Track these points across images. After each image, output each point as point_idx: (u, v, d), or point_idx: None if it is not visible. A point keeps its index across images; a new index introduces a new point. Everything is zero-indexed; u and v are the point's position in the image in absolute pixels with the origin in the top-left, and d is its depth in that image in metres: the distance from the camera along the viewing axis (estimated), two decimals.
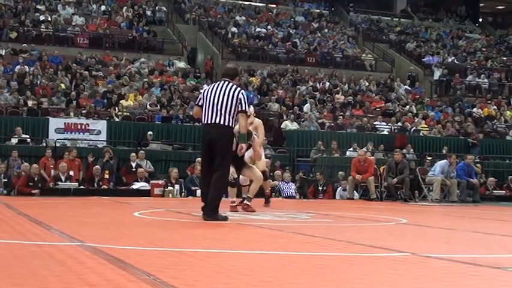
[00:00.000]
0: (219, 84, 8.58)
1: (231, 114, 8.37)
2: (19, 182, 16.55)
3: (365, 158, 18.38)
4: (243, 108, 8.41)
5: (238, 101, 8.37)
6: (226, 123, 8.37)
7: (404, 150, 21.55)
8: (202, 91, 9.14)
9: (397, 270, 4.34)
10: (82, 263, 4.30)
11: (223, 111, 8.36)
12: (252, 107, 10.71)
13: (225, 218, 8.40)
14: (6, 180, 16.83)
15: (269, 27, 34.07)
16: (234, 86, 8.53)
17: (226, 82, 8.59)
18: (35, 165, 16.91)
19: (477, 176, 19.69)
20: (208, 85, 26.03)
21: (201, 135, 8.84)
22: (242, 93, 8.50)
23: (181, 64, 28.53)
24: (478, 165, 21.07)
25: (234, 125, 8.52)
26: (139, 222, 8.67)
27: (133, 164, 18.50)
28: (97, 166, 17.82)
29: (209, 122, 8.43)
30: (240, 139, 8.81)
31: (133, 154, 18.67)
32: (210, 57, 30.24)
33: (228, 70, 9.03)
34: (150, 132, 20.35)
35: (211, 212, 8.30)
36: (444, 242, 6.65)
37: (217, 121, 8.37)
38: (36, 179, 16.67)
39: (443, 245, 6.23)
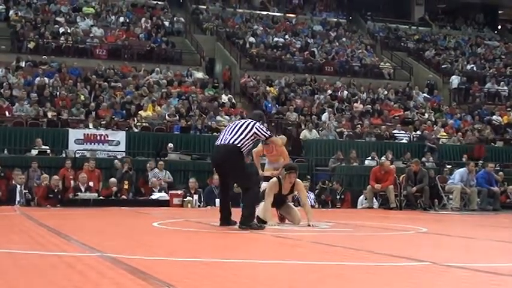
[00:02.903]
0: (240, 120, 9.21)
1: (240, 138, 8.64)
2: (39, 194, 16.64)
3: (387, 167, 18.28)
4: (267, 135, 8.96)
5: (253, 131, 8.74)
6: (233, 142, 8.65)
7: (423, 159, 21.44)
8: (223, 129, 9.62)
9: (418, 280, 4.31)
10: (101, 274, 4.31)
11: (232, 136, 8.69)
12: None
13: (261, 227, 8.65)
14: (26, 191, 16.92)
15: (287, 36, 34.08)
16: (252, 122, 8.93)
17: (248, 120, 9.09)
18: (55, 177, 16.99)
19: (498, 184, 19.53)
20: (226, 95, 26.18)
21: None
22: (257, 126, 8.85)
23: (200, 74, 28.59)
24: (500, 173, 20.88)
25: (244, 148, 8.70)
26: (158, 232, 8.68)
27: (150, 175, 18.54)
28: (113, 179, 17.85)
29: (219, 144, 8.88)
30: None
31: (150, 163, 18.71)
32: (228, 68, 30.28)
33: (254, 115, 9.46)
34: (170, 145, 20.35)
35: (245, 221, 8.55)
36: (465, 251, 6.60)
37: (224, 142, 8.74)
38: (56, 190, 16.75)
39: (463, 254, 6.19)
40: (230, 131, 8.81)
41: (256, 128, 8.83)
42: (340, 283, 4.18)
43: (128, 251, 5.65)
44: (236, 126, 8.89)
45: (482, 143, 24.21)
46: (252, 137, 8.81)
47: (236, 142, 8.64)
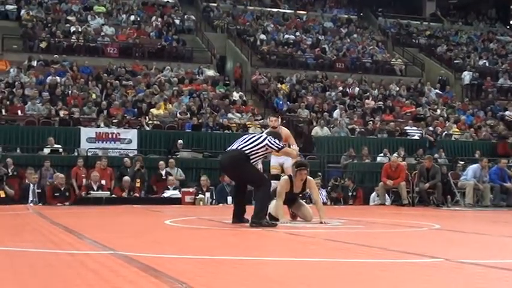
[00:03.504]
0: (255, 134, 9.34)
1: (250, 147, 8.71)
2: (47, 193, 16.69)
3: (397, 163, 18.25)
4: (279, 147, 8.95)
5: (265, 143, 8.78)
6: (241, 149, 8.74)
7: (436, 155, 21.37)
8: None
9: (431, 277, 4.29)
10: (114, 272, 4.32)
11: (244, 144, 8.79)
12: (273, 117, 10.65)
13: (272, 224, 8.63)
14: (40, 190, 16.98)
15: (298, 33, 34.04)
16: (265, 136, 9.00)
17: (264, 134, 9.17)
18: (60, 175, 16.95)
19: (511, 180, 19.42)
20: (237, 92, 26.18)
21: None
22: (270, 139, 8.90)
23: (211, 72, 28.63)
24: None
25: (253, 157, 8.78)
26: (170, 230, 8.70)
27: (163, 173, 18.57)
28: (126, 177, 17.89)
29: (227, 149, 9.09)
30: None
31: (161, 162, 18.75)
32: (239, 65, 30.29)
33: (272, 133, 9.36)
34: (180, 141, 20.39)
35: (257, 218, 8.59)
36: (478, 247, 6.57)
37: (233, 148, 8.88)
38: (62, 188, 16.77)
39: (477, 251, 6.16)
40: (243, 140, 8.94)
41: (268, 140, 8.88)
42: (353, 280, 4.16)
43: (140, 249, 5.67)
44: (250, 137, 9.06)
45: (504, 139, 24.07)
46: (264, 149, 8.85)
47: (245, 149, 8.75)
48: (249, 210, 8.97)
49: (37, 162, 18.19)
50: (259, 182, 8.83)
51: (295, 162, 10.00)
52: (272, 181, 10.76)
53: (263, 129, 22.37)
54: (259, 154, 8.86)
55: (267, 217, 9.81)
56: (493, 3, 44.27)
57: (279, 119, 10.93)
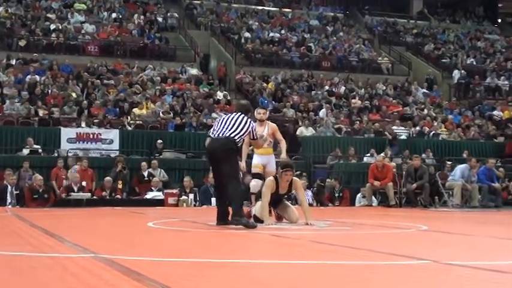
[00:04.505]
0: (233, 115, 9.36)
1: (238, 133, 9.03)
2: (26, 195, 16.58)
3: (383, 163, 18.31)
4: (254, 137, 9.45)
5: (249, 129, 9.18)
6: (229, 135, 9.00)
7: (423, 155, 21.47)
8: (216, 121, 9.83)
9: (418, 279, 4.31)
10: (96, 275, 4.30)
11: (230, 130, 9.04)
12: (263, 110, 10.79)
13: (251, 224, 8.67)
14: (18, 192, 16.87)
15: (283, 31, 34.06)
16: (246, 117, 9.30)
17: (239, 114, 9.36)
18: (38, 177, 16.81)
19: (499, 181, 19.55)
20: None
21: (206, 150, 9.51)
22: (253, 125, 9.34)
23: (194, 71, 28.57)
24: (501, 169, 20.90)
25: (239, 142, 9.15)
26: (153, 232, 8.68)
27: (145, 174, 18.53)
28: (108, 177, 17.83)
29: (215, 136, 9.15)
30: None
31: (144, 163, 18.70)
32: (223, 64, 30.26)
33: (241, 107, 9.73)
34: (159, 141, 20.34)
35: (235, 218, 8.75)
36: (466, 248, 6.60)
37: (221, 135, 9.05)
38: (41, 190, 16.69)
39: (465, 252, 6.19)
40: (227, 124, 9.11)
41: (252, 127, 9.26)
42: (339, 283, 4.17)
43: (122, 252, 5.65)
44: (232, 119, 9.18)
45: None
46: (247, 134, 9.22)
47: (234, 136, 9.00)
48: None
49: (16, 163, 18.08)
50: (234, 175, 8.97)
51: (280, 163, 10.00)
52: (255, 180, 10.79)
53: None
54: (242, 140, 9.25)
55: (252, 218, 9.83)
56: (481, 1, 44.56)
57: (267, 113, 10.95)
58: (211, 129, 9.46)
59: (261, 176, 10.55)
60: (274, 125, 10.88)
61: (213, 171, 9.52)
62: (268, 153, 10.53)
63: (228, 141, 8.98)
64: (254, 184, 10.68)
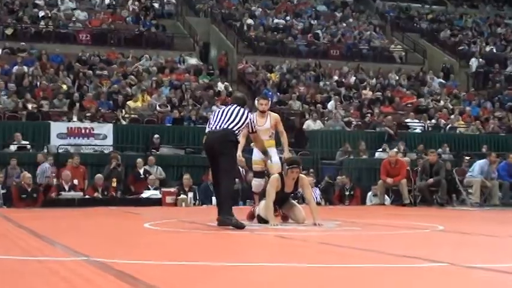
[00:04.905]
0: (229, 107, 9.35)
1: (236, 125, 9.03)
2: (13, 195, 16.60)
3: (396, 159, 18.28)
4: (252, 130, 9.40)
5: (247, 121, 9.19)
6: (227, 127, 9.00)
7: (439, 150, 21.43)
8: (211, 115, 9.88)
9: (434, 283, 4.30)
10: (88, 280, 4.30)
11: (228, 122, 9.04)
12: (265, 100, 10.70)
13: (240, 226, 8.55)
14: (5, 191, 16.90)
15: (288, 18, 34.01)
16: (243, 109, 9.33)
17: (236, 106, 9.36)
18: (27, 175, 16.84)
19: None
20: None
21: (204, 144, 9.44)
22: (251, 117, 9.39)
23: (193, 60, 28.56)
24: None
25: (238, 133, 9.14)
26: (149, 234, 8.69)
27: (141, 171, 18.54)
28: (99, 175, 17.83)
29: (211, 129, 9.16)
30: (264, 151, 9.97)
31: (139, 160, 18.71)
32: (225, 53, 30.24)
33: (237, 99, 9.73)
34: (156, 136, 20.36)
35: (223, 217, 8.68)
36: (486, 250, 6.60)
37: (218, 128, 9.04)
38: (30, 189, 16.69)
39: (485, 254, 6.18)
40: (224, 116, 9.11)
41: (250, 119, 9.27)
42: (349, 287, 4.17)
43: (116, 255, 5.65)
44: (229, 111, 9.18)
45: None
46: (245, 126, 9.21)
47: (233, 127, 9.01)
48: (236, 211, 8.96)
49: (2, 160, 18.12)
50: (230, 170, 9.01)
51: (286, 160, 9.98)
52: (255, 179, 10.75)
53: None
54: (241, 132, 9.23)
55: (256, 219, 9.83)
56: None
57: (270, 103, 10.91)
58: (207, 124, 9.44)
59: (263, 174, 10.54)
60: (276, 115, 10.86)
61: (211, 167, 9.44)
62: (269, 146, 10.40)
63: (226, 133, 8.97)
64: (256, 184, 10.67)
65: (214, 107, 23.24)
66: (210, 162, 9.41)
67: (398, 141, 22.04)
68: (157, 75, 25.70)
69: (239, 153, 10.00)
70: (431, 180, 17.80)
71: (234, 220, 8.64)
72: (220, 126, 9.03)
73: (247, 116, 9.19)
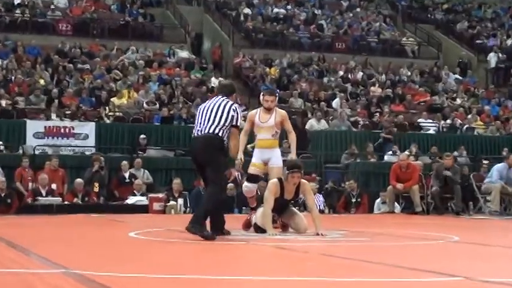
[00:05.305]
0: (213, 100, 9.25)
1: (221, 126, 8.94)
2: None
3: (407, 163, 18.29)
4: (234, 123, 9.09)
5: (231, 114, 9.02)
6: (212, 132, 8.93)
7: (455, 153, 21.43)
8: (198, 110, 9.62)
9: None
10: None
11: (211, 123, 8.96)
12: (271, 96, 10.52)
13: (211, 237, 8.52)
14: None
15: (289, 7, 34.04)
16: (229, 102, 9.20)
17: (221, 97, 9.27)
18: (0, 178, 16.83)
19: None
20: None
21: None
22: (235, 108, 9.18)
23: (184, 53, 28.57)
24: None
25: (226, 137, 9.02)
26: (135, 244, 8.69)
27: (126, 175, 18.53)
28: (79, 179, 17.78)
29: (196, 134, 9.11)
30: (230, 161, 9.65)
31: (124, 163, 18.70)
32: (219, 45, 30.25)
33: (224, 87, 9.73)
34: (143, 136, 20.34)
35: (194, 224, 8.56)
36: (505, 263, 6.60)
37: (204, 132, 8.98)
38: (3, 194, 16.66)
39: (504, 267, 6.19)
40: (207, 116, 9.04)
41: (233, 109, 9.10)
42: None
43: (98, 267, 5.65)
44: (210, 109, 9.11)
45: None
46: (230, 121, 9.03)
47: (217, 131, 8.93)
48: (229, 220, 8.96)
49: None
50: (216, 181, 8.93)
51: (286, 163, 9.96)
52: (246, 184, 10.66)
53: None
54: (228, 130, 9.05)
55: (253, 227, 9.82)
56: None
57: (277, 99, 10.72)
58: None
59: (257, 179, 10.46)
60: (283, 112, 10.71)
61: (201, 175, 9.47)
62: (271, 146, 10.40)
63: (210, 139, 8.95)
64: (246, 190, 10.57)
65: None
66: (197, 170, 9.43)
67: (394, 143, 22.05)
68: (144, 69, 25.69)
69: (240, 155, 9.98)
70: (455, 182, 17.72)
71: (204, 232, 8.53)
72: (202, 131, 9.00)
73: (229, 110, 9.03)
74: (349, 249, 8.03)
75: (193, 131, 9.21)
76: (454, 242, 9.11)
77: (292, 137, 10.62)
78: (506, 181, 18.10)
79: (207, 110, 9.13)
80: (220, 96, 9.29)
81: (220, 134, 8.94)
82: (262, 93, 10.75)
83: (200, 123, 9.07)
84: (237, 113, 9.12)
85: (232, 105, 9.15)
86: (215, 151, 8.91)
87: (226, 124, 8.97)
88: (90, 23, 29.10)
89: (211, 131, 8.93)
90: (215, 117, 8.99)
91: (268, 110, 10.34)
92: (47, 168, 17.95)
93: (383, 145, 22.28)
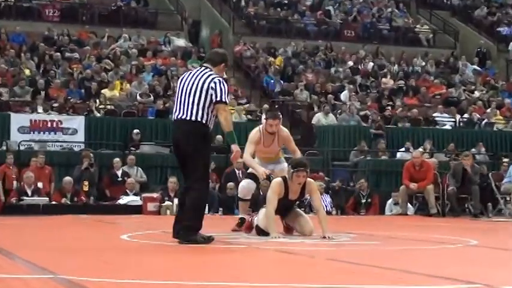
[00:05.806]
0: (194, 72, 8.71)
1: (201, 106, 8.41)
2: None
3: (422, 161, 18.30)
4: (218, 98, 8.43)
5: (210, 90, 8.42)
6: (194, 118, 8.40)
7: (473, 150, 21.42)
8: (178, 83, 9.05)
9: None
10: None
11: (191, 104, 8.44)
12: (275, 120, 10.47)
13: (208, 239, 8.47)
14: None
15: None
16: (210, 73, 8.59)
17: (203, 68, 8.71)
18: None
19: None
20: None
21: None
22: (216, 80, 8.50)
23: (181, 42, 28.58)
24: None
25: (210, 121, 8.51)
26: (127, 247, 8.70)
27: (118, 173, 18.55)
28: (67, 178, 17.81)
29: (176, 117, 8.61)
30: (228, 138, 9.03)
31: (116, 160, 18.72)
32: (218, 33, 30.25)
33: (212, 55, 9.21)
34: (136, 131, 20.36)
35: (187, 233, 8.41)
36: None
37: (184, 116, 8.47)
38: None
39: None
40: (184, 96, 8.51)
41: (212, 86, 8.47)
42: None
43: (88, 272, 5.66)
44: (193, 84, 8.53)
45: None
46: (210, 100, 8.45)
47: (199, 116, 8.42)
48: (233, 221, 8.96)
49: None
50: (201, 176, 8.51)
51: (291, 161, 9.95)
52: (246, 179, 10.69)
53: (248, 116, 22.40)
54: (212, 111, 8.47)
55: (255, 229, 9.82)
56: None
57: (280, 122, 10.72)
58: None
59: (256, 177, 10.49)
60: (286, 133, 10.80)
61: (179, 165, 8.84)
62: (274, 160, 10.62)
63: (191, 125, 8.44)
64: (243, 185, 10.59)
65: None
66: (176, 157, 8.85)
67: (384, 137, 22.03)
68: (137, 58, 25.71)
69: (261, 168, 10.00)
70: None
71: (199, 238, 8.39)
72: (181, 115, 8.49)
73: (209, 85, 8.43)
74: (358, 254, 8.03)
75: (173, 113, 8.75)
76: (472, 246, 9.11)
77: (298, 155, 10.69)
78: None
79: (186, 85, 8.55)
80: (203, 68, 8.73)
81: (203, 121, 8.41)
82: (265, 117, 11.09)
83: (178, 103, 8.57)
84: (220, 88, 8.43)
85: (213, 79, 8.48)
86: (198, 139, 8.43)
87: (206, 104, 8.40)
88: (79, 9, 29.12)
89: (193, 116, 8.41)
90: (194, 95, 8.42)
91: (272, 134, 10.47)
92: (33, 165, 17.98)
93: (374, 141, 22.22)
